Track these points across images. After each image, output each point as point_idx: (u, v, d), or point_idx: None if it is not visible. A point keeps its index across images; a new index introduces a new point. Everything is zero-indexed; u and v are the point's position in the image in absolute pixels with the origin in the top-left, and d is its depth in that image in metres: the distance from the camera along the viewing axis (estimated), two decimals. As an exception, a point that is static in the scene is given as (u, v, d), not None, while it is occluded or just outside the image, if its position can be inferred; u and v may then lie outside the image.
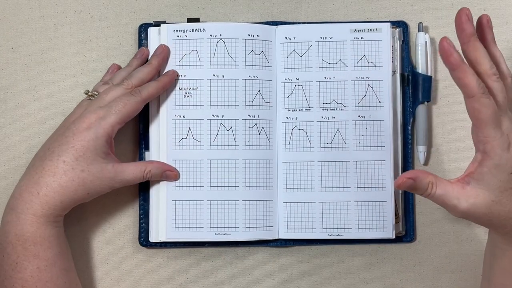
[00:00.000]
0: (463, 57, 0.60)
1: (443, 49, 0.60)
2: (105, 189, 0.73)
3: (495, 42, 0.65)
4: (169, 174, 0.76)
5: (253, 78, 0.78)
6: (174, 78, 0.77)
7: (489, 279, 0.68)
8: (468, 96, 0.60)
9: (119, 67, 0.80)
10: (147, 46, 0.79)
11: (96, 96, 0.75)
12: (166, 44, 0.78)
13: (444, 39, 0.60)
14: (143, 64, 0.78)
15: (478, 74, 0.61)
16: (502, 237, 0.66)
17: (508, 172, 0.61)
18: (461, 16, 0.61)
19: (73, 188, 0.70)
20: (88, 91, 0.76)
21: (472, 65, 0.62)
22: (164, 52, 0.77)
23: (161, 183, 0.77)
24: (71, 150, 0.70)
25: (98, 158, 0.71)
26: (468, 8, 0.62)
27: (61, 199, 0.70)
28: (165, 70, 0.78)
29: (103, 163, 0.71)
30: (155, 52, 0.78)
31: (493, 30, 0.65)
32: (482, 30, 0.65)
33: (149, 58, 0.78)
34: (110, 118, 0.71)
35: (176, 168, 0.77)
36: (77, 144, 0.70)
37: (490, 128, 0.61)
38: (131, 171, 0.73)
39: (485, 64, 0.62)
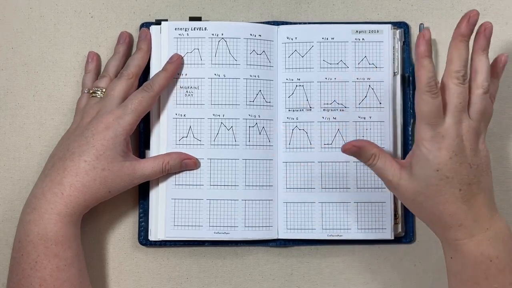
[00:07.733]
0: (431, 53, 0.64)
1: (419, 38, 0.63)
2: (126, 186, 0.73)
3: (484, 51, 0.67)
4: (188, 162, 0.76)
5: (254, 77, 0.78)
6: (179, 64, 0.77)
7: None
8: (417, 87, 0.64)
9: (97, 55, 0.80)
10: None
11: (98, 93, 0.75)
12: (167, 42, 0.78)
13: (426, 30, 0.64)
14: (128, 47, 0.80)
15: (445, 72, 0.65)
16: (442, 241, 0.69)
17: (434, 169, 0.64)
18: (463, 18, 0.65)
19: (95, 187, 0.71)
20: (89, 89, 0.77)
21: (447, 63, 0.65)
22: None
23: (161, 181, 0.77)
24: (92, 149, 0.70)
25: (118, 156, 0.71)
26: (475, 12, 0.65)
27: (84, 197, 0.70)
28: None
29: (122, 161, 0.72)
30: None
31: (493, 30, 0.66)
32: (476, 36, 0.67)
33: (117, 42, 0.80)
34: (128, 116, 0.72)
35: (176, 167, 0.77)
36: (97, 144, 0.71)
37: (424, 123, 0.64)
38: (150, 165, 0.74)
39: (454, 65, 0.65)
